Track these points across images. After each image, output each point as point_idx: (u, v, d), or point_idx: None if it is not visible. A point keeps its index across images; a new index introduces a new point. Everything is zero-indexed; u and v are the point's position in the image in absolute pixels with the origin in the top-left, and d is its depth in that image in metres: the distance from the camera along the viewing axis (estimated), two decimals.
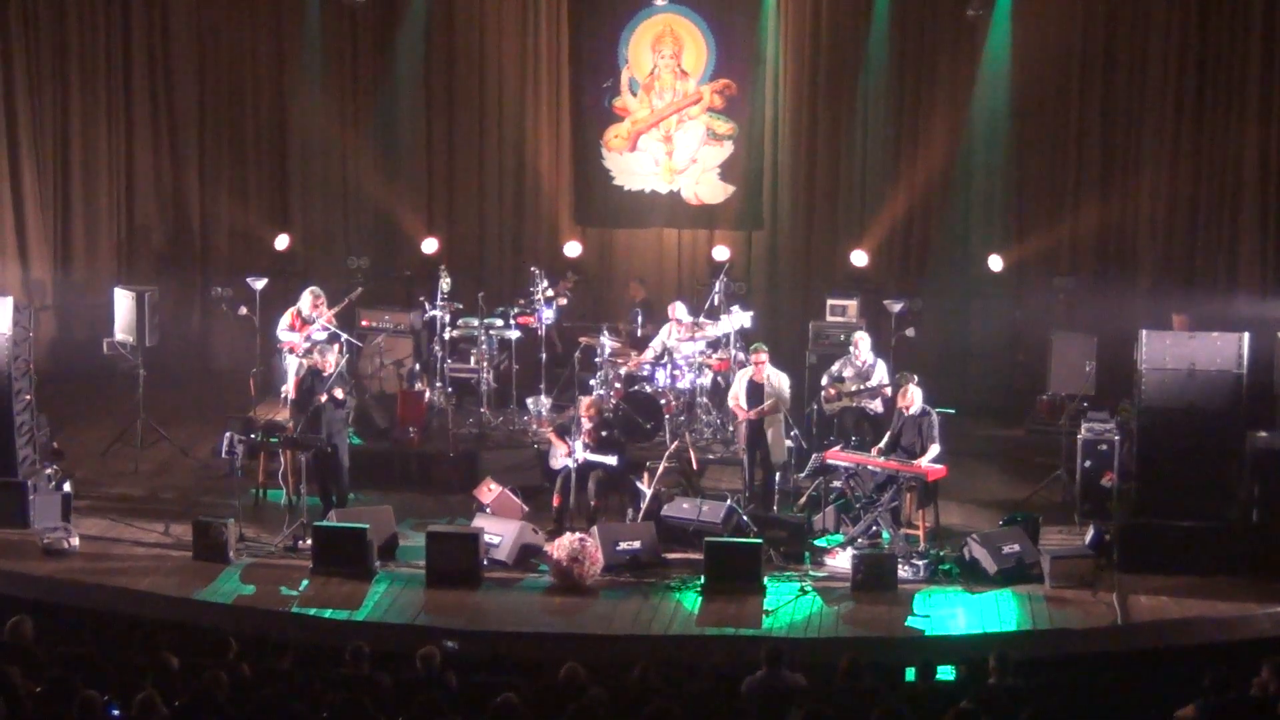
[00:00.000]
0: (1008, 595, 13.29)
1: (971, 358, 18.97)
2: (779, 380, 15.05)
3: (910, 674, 11.57)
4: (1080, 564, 13.55)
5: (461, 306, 17.31)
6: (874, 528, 14.13)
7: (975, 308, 19.10)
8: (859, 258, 18.98)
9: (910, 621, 12.85)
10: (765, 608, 13.08)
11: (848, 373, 15.80)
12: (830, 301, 18.24)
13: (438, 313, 16.99)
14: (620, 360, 16.83)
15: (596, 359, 16.87)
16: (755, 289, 19.29)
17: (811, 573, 13.79)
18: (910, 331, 16.83)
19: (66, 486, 14.90)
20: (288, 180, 20.23)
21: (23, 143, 19.41)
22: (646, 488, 14.62)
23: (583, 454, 14.50)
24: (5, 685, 9.34)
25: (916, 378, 14.68)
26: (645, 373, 16.71)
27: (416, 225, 19.79)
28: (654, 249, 20.04)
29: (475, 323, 17.19)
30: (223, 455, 14.86)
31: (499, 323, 17.32)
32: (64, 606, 12.60)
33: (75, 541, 14.00)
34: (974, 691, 10.09)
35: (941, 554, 13.91)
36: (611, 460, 14.57)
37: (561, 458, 14.60)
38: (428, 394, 17.03)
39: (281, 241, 19.31)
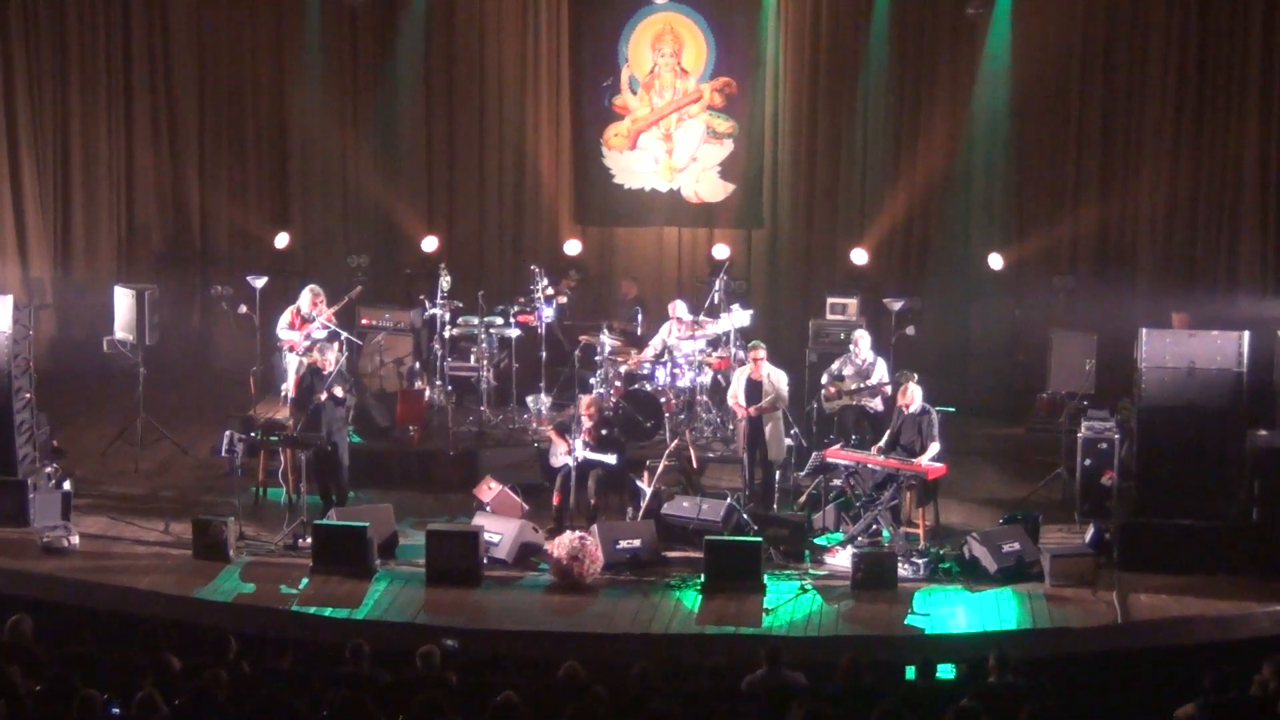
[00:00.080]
0: (1008, 594, 13.29)
1: (971, 356, 18.97)
2: (778, 378, 15.05)
3: (910, 672, 11.56)
4: (1080, 562, 13.55)
5: (461, 305, 17.30)
6: (874, 526, 14.14)
7: (975, 306, 19.10)
8: (859, 256, 18.98)
9: (910, 620, 12.86)
10: (765, 606, 13.09)
11: (848, 371, 15.80)
12: (830, 300, 18.25)
13: (438, 311, 16.98)
14: (620, 359, 16.83)
15: (596, 357, 16.86)
16: (755, 287, 19.29)
17: (811, 571, 13.79)
18: (910, 330, 16.84)
19: (66, 485, 14.90)
20: (288, 179, 20.23)
21: (23, 142, 19.41)
22: (646, 486, 14.62)
23: (582, 452, 14.50)
24: (5, 684, 9.34)
25: (916, 376, 14.68)
26: (645, 371, 16.71)
27: (416, 224, 19.79)
28: (654, 247, 20.04)
29: (475, 321, 17.18)
30: (223, 454, 14.87)
31: (499, 321, 17.32)
32: (64, 605, 12.58)
33: (75, 540, 14.00)
34: (974, 690, 10.07)
35: (941, 552, 13.92)
36: (611, 459, 14.57)
37: (561, 455, 14.60)
38: (428, 392, 17.04)
39: (281, 240, 19.31)
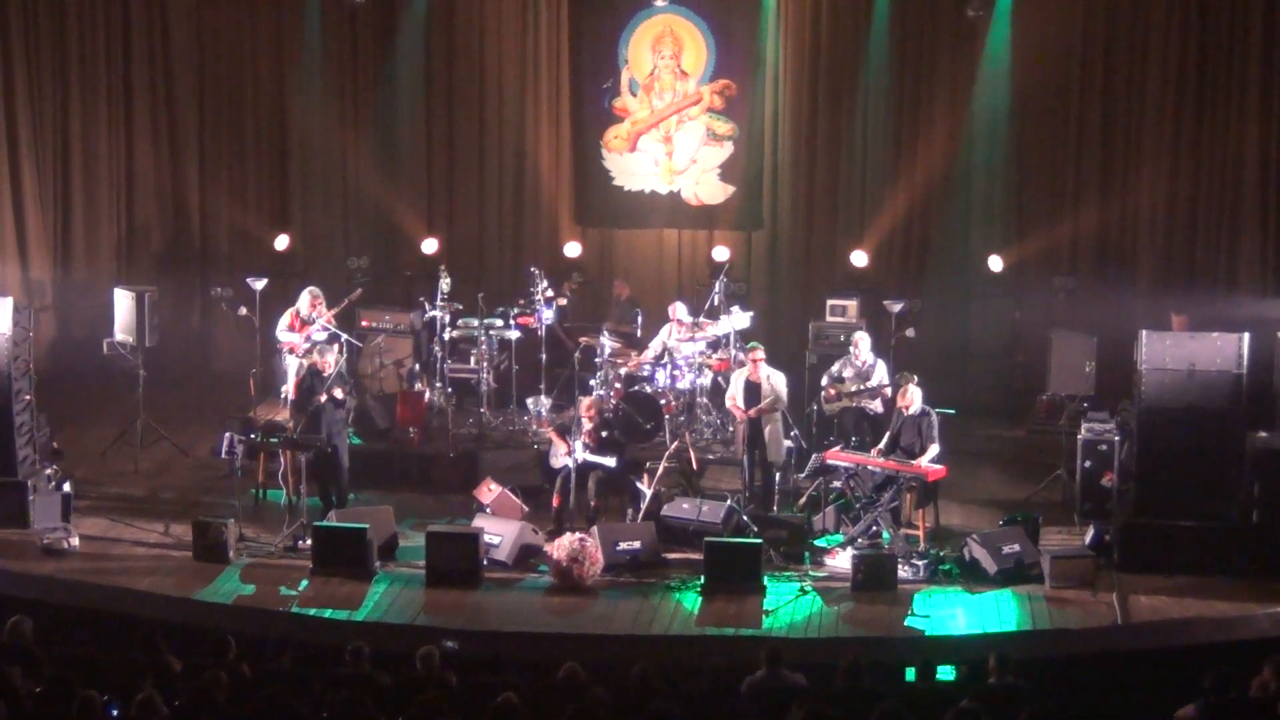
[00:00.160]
0: (1008, 595, 13.29)
1: (971, 358, 18.97)
2: (777, 379, 15.05)
3: (910, 674, 11.54)
4: (1080, 564, 13.55)
5: (461, 307, 17.31)
6: (874, 528, 14.13)
7: (975, 308, 19.09)
8: (859, 258, 18.98)
9: (910, 621, 12.86)
10: (765, 608, 13.09)
11: (848, 373, 15.80)
12: (830, 302, 18.24)
13: (438, 313, 16.98)
14: (620, 360, 16.83)
15: (596, 359, 16.86)
16: (755, 289, 19.29)
17: (811, 573, 13.79)
18: (910, 332, 16.83)
19: (66, 486, 14.90)
20: (288, 180, 20.23)
21: (23, 143, 19.41)
22: (646, 488, 14.62)
23: (582, 454, 14.49)
24: (5, 685, 9.34)
25: (916, 378, 14.68)
26: (645, 373, 16.71)
27: (416, 225, 19.79)
28: (654, 249, 20.04)
29: (475, 323, 17.19)
30: (222, 455, 14.86)
31: (499, 323, 17.32)
32: (64, 606, 12.57)
33: (75, 541, 14.00)
34: (974, 691, 10.07)
35: (941, 554, 13.91)
36: (610, 462, 14.57)
37: (562, 456, 14.59)
38: (427, 394, 17.03)
39: (281, 242, 19.30)
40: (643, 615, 12.96)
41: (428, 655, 10.36)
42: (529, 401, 16.95)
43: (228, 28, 19.86)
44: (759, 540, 13.73)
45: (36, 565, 13.61)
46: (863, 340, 15.89)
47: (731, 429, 16.05)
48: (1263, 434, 14.28)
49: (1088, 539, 14.13)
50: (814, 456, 14.79)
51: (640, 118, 19.67)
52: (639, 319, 17.95)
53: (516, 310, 17.40)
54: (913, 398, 14.44)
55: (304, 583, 13.47)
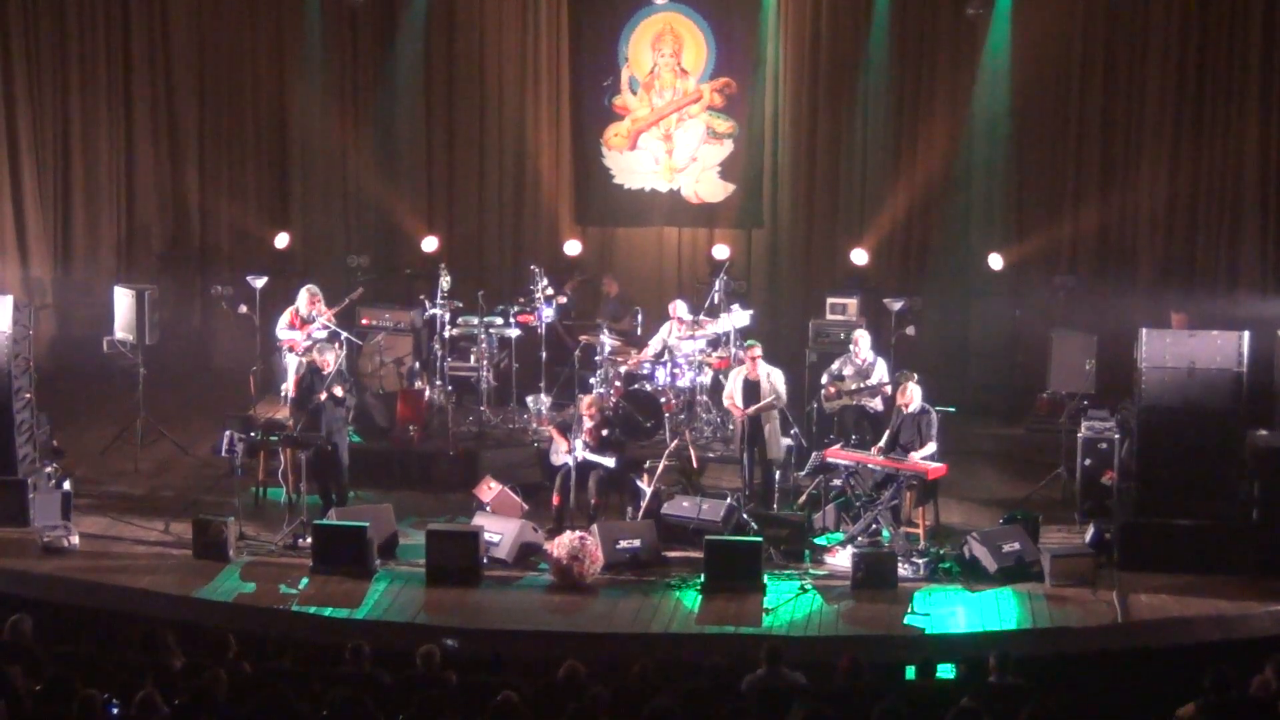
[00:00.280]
0: (1008, 594, 13.29)
1: (971, 356, 18.97)
2: (776, 377, 15.06)
3: (910, 672, 11.57)
4: (1080, 562, 13.55)
5: (461, 305, 17.29)
6: (874, 526, 14.13)
7: (975, 306, 19.09)
8: (859, 256, 18.97)
9: (910, 620, 12.85)
10: (765, 606, 13.09)
11: (848, 371, 15.79)
12: (830, 300, 18.24)
13: (438, 311, 16.97)
14: (620, 358, 16.82)
15: (596, 357, 16.86)
16: (755, 287, 19.28)
17: (811, 571, 13.79)
18: (910, 330, 16.84)
19: (66, 485, 14.90)
20: (288, 179, 20.22)
21: (23, 142, 19.42)
22: (646, 486, 14.62)
23: (582, 453, 14.49)
24: (5, 684, 9.34)
25: (916, 376, 14.68)
26: (645, 371, 16.70)
27: (416, 224, 19.78)
28: (654, 247, 20.03)
29: (475, 321, 17.18)
30: (223, 453, 14.87)
31: (499, 321, 17.31)
32: (64, 605, 12.60)
33: (75, 540, 14.00)
34: (974, 690, 10.08)
35: (941, 552, 13.91)
36: (610, 462, 14.56)
37: (562, 454, 14.59)
38: (428, 392, 17.03)
39: (281, 240, 19.30)
40: (643, 613, 12.96)
41: (428, 654, 10.37)
42: (529, 400, 16.95)
43: (228, 28, 19.85)
44: (759, 538, 13.73)
45: (36, 564, 13.61)
46: (863, 338, 15.89)
47: (731, 427, 16.05)
48: (1263, 432, 14.28)
49: (1088, 537, 14.13)
50: (814, 455, 14.80)
51: (640, 116, 19.67)
52: (639, 317, 17.94)
53: (516, 308, 17.40)
54: (912, 396, 14.44)
55: (304, 581, 13.47)
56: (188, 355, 19.64)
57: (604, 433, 14.72)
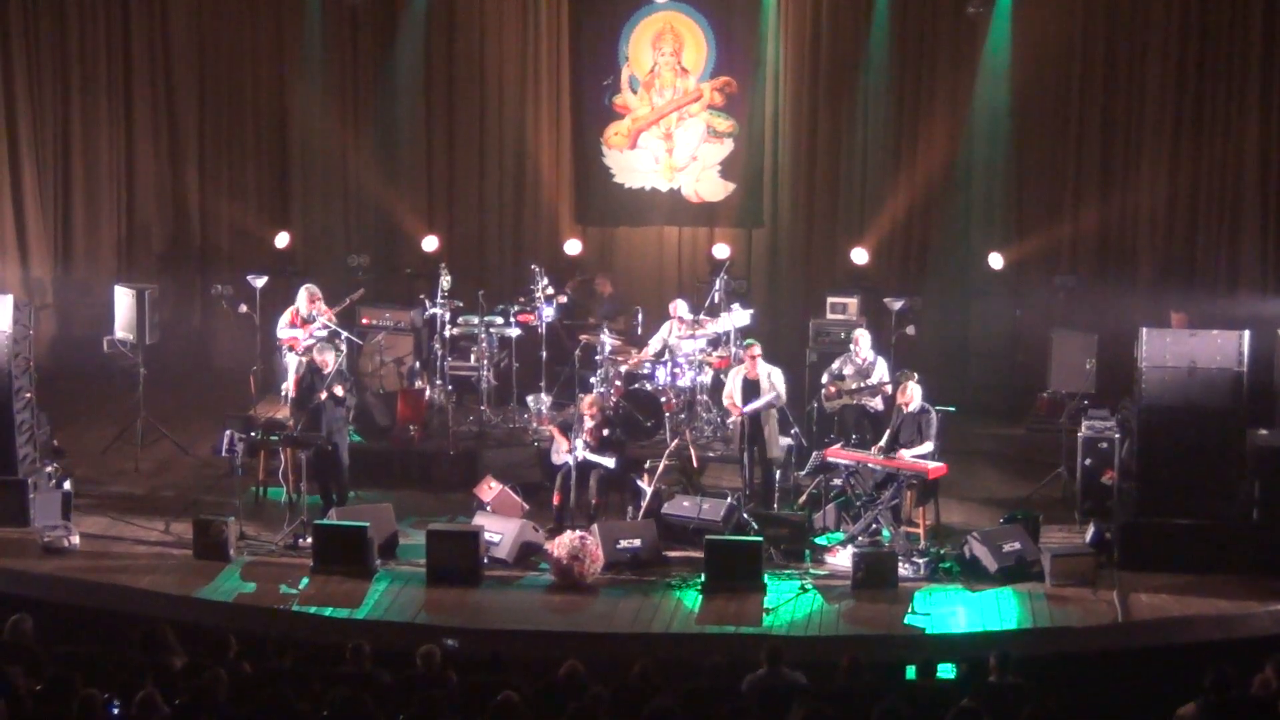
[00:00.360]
0: (1008, 593, 13.29)
1: (972, 356, 18.97)
2: (776, 376, 15.05)
3: (911, 672, 11.56)
4: (1081, 562, 13.55)
5: (462, 304, 17.29)
6: (874, 526, 14.13)
7: (975, 306, 19.09)
8: (859, 255, 18.97)
9: (911, 620, 12.86)
10: (766, 606, 13.09)
11: (848, 370, 15.79)
12: (831, 299, 18.24)
13: (438, 310, 16.97)
14: (621, 358, 16.82)
15: (597, 357, 16.86)
16: (755, 287, 19.27)
17: (812, 571, 13.78)
18: (910, 329, 16.84)
19: (67, 484, 14.90)
20: (288, 179, 20.22)
21: (23, 141, 19.42)
22: (647, 486, 14.62)
23: (583, 452, 14.49)
24: (6, 684, 9.34)
25: (917, 375, 14.68)
26: (646, 370, 16.70)
27: (417, 223, 19.78)
28: (654, 247, 20.03)
29: (476, 320, 17.18)
30: (223, 453, 14.87)
31: (499, 320, 17.31)
32: (64, 605, 12.60)
33: (75, 540, 14.00)
34: (974, 690, 10.08)
35: (942, 552, 13.91)
36: (610, 462, 14.56)
37: (563, 453, 14.59)
38: (428, 392, 17.03)
39: (282, 239, 19.29)
40: (643, 613, 12.96)
41: (428, 653, 10.36)
42: (529, 399, 16.95)
43: (228, 27, 19.84)
44: (759, 538, 13.73)
45: (37, 563, 13.61)
46: (863, 338, 15.88)
47: (731, 426, 16.04)
48: (1263, 432, 14.28)
49: (1088, 537, 14.14)
50: (814, 454, 14.79)
51: (641, 115, 19.66)
52: (639, 316, 17.92)
53: (517, 308, 17.40)
54: (912, 395, 14.44)
55: (304, 581, 13.47)
56: (188, 355, 19.64)
57: (604, 432, 14.72)
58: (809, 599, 13.22)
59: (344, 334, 16.19)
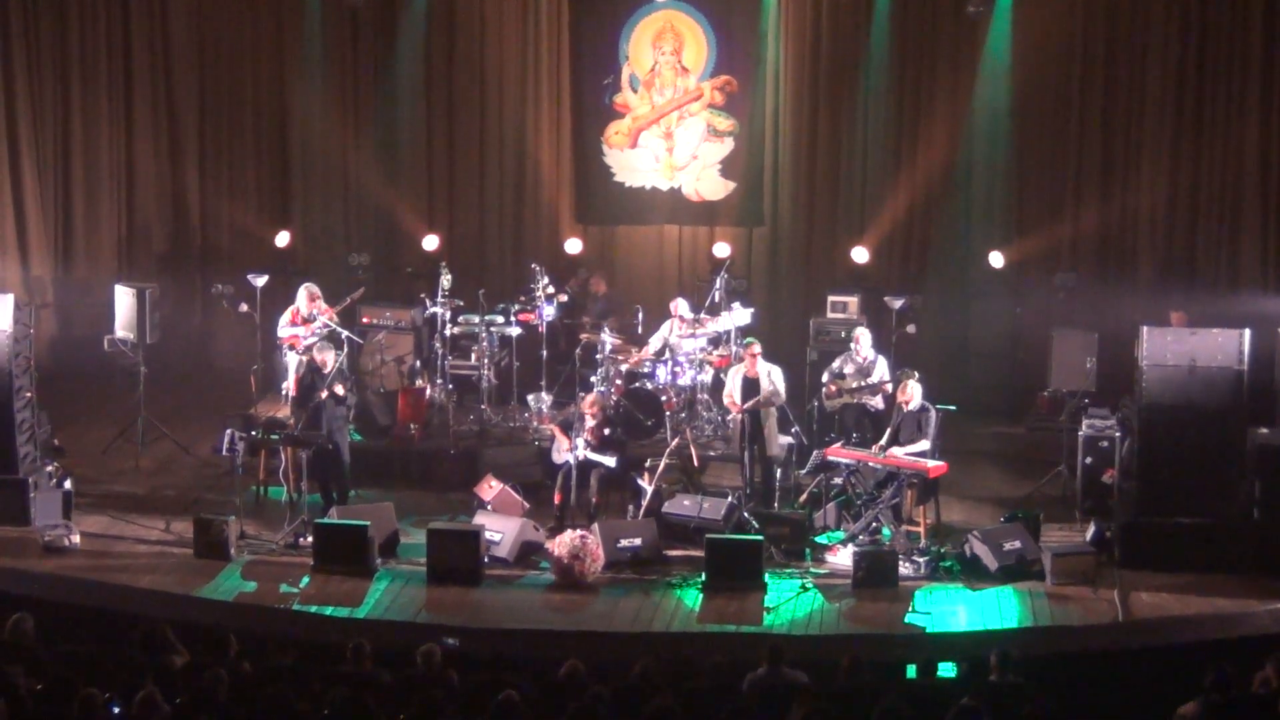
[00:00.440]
0: (1009, 592, 13.29)
1: (972, 354, 18.96)
2: (776, 375, 15.06)
3: (911, 671, 11.56)
4: (1081, 561, 13.55)
5: (462, 303, 17.29)
6: (875, 524, 14.13)
7: (976, 304, 19.09)
8: (860, 254, 18.97)
9: (911, 618, 12.86)
10: (766, 605, 13.09)
11: (849, 369, 15.79)
12: (831, 298, 18.26)
13: (439, 309, 16.98)
14: (621, 357, 16.82)
15: (597, 356, 16.86)
16: (756, 285, 19.27)
17: (812, 570, 13.79)
18: (911, 328, 16.85)
19: (67, 484, 14.90)
20: (288, 178, 20.23)
21: (23, 141, 19.43)
22: (647, 485, 14.62)
23: (584, 452, 14.49)
24: (6, 684, 9.34)
25: (917, 374, 14.68)
26: (646, 369, 16.70)
27: (417, 222, 19.78)
28: (655, 246, 20.03)
29: (476, 319, 17.18)
30: (223, 452, 14.88)
31: (500, 319, 17.32)
32: (65, 604, 12.58)
33: (76, 539, 14.00)
34: (975, 688, 10.07)
35: (943, 551, 13.91)
36: (610, 462, 14.56)
37: (563, 452, 14.60)
38: (429, 391, 17.03)
39: (282, 239, 19.29)
40: (644, 612, 12.96)
41: (429, 653, 10.36)
42: (530, 398, 16.96)
43: (228, 28, 19.85)
44: (760, 537, 13.73)
45: (37, 563, 13.61)
46: (864, 336, 15.88)
47: (731, 425, 16.04)
48: (1263, 430, 14.28)
49: (1089, 536, 14.14)
50: (815, 453, 14.80)
51: (641, 114, 19.66)
52: (640, 315, 17.92)
53: (517, 307, 17.40)
54: (912, 393, 14.44)
55: (305, 580, 13.47)
56: (188, 354, 19.64)
57: (605, 431, 14.72)
58: (809, 598, 13.23)
59: (344, 333, 16.19)
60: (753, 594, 13.22)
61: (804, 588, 13.40)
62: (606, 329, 17.03)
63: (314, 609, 12.91)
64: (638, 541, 13.91)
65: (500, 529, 14.01)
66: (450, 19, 19.82)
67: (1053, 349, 16.51)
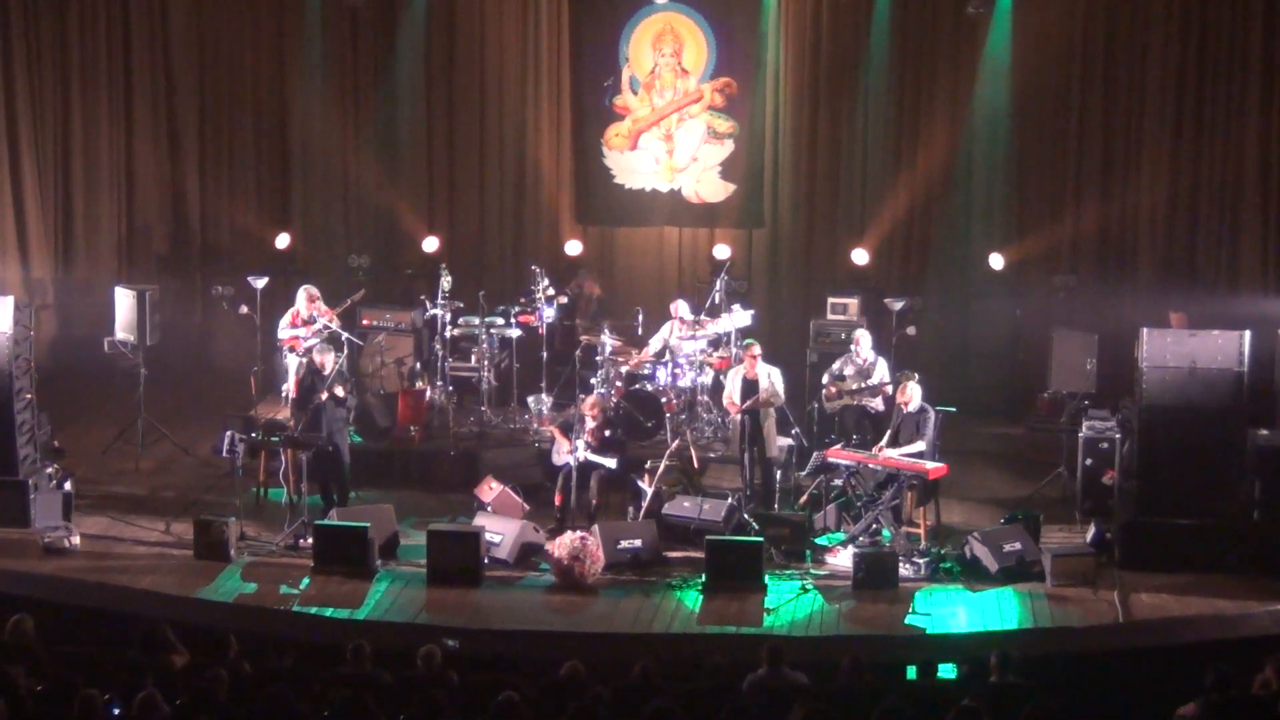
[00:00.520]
0: (1009, 593, 13.29)
1: (972, 356, 18.95)
2: (775, 376, 15.05)
3: (912, 672, 11.56)
4: (1081, 562, 13.55)
5: (462, 305, 17.30)
6: (875, 526, 14.13)
7: (976, 306, 19.08)
8: (860, 256, 18.98)
9: (911, 620, 12.85)
10: (766, 606, 13.08)
11: (849, 371, 15.79)
12: (831, 300, 18.25)
13: (439, 311, 16.98)
14: (621, 359, 16.82)
15: (597, 357, 16.86)
16: (756, 287, 19.28)
17: (812, 571, 13.78)
18: (911, 330, 16.84)
19: (67, 485, 14.90)
20: (288, 179, 20.24)
21: (23, 141, 19.43)
22: (647, 486, 14.62)
23: (584, 453, 14.49)
24: (7, 684, 9.34)
25: (917, 375, 14.68)
26: (646, 371, 16.70)
27: (417, 224, 19.79)
28: (655, 247, 20.04)
29: (476, 321, 17.18)
30: (223, 454, 14.88)
31: (500, 321, 17.31)
32: (65, 605, 12.58)
33: (76, 540, 14.00)
34: (975, 690, 10.08)
35: (943, 552, 13.91)
36: (610, 463, 14.56)
37: (564, 454, 14.60)
38: (429, 392, 17.03)
39: (282, 240, 19.30)
40: (644, 614, 12.96)
41: (429, 654, 10.36)
42: (530, 400, 16.95)
43: (228, 28, 19.86)
44: (760, 538, 13.73)
45: (38, 564, 13.61)
46: (864, 338, 15.88)
47: (731, 427, 16.04)
48: (1263, 432, 14.28)
49: (1089, 537, 14.13)
50: (815, 454, 14.80)
51: (641, 115, 19.67)
52: (640, 317, 17.92)
53: (517, 308, 17.40)
54: (912, 395, 14.44)
55: (305, 581, 13.47)
56: (188, 355, 19.63)
57: (605, 433, 14.72)
58: (810, 599, 13.22)
59: (345, 335, 16.19)
60: (753, 595, 13.21)
61: (804, 589, 13.40)
62: (606, 330, 17.02)
63: (314, 610, 12.91)
64: (638, 543, 13.91)
65: (500, 530, 14.01)
66: (450, 19, 19.83)
67: (1053, 350, 16.52)
